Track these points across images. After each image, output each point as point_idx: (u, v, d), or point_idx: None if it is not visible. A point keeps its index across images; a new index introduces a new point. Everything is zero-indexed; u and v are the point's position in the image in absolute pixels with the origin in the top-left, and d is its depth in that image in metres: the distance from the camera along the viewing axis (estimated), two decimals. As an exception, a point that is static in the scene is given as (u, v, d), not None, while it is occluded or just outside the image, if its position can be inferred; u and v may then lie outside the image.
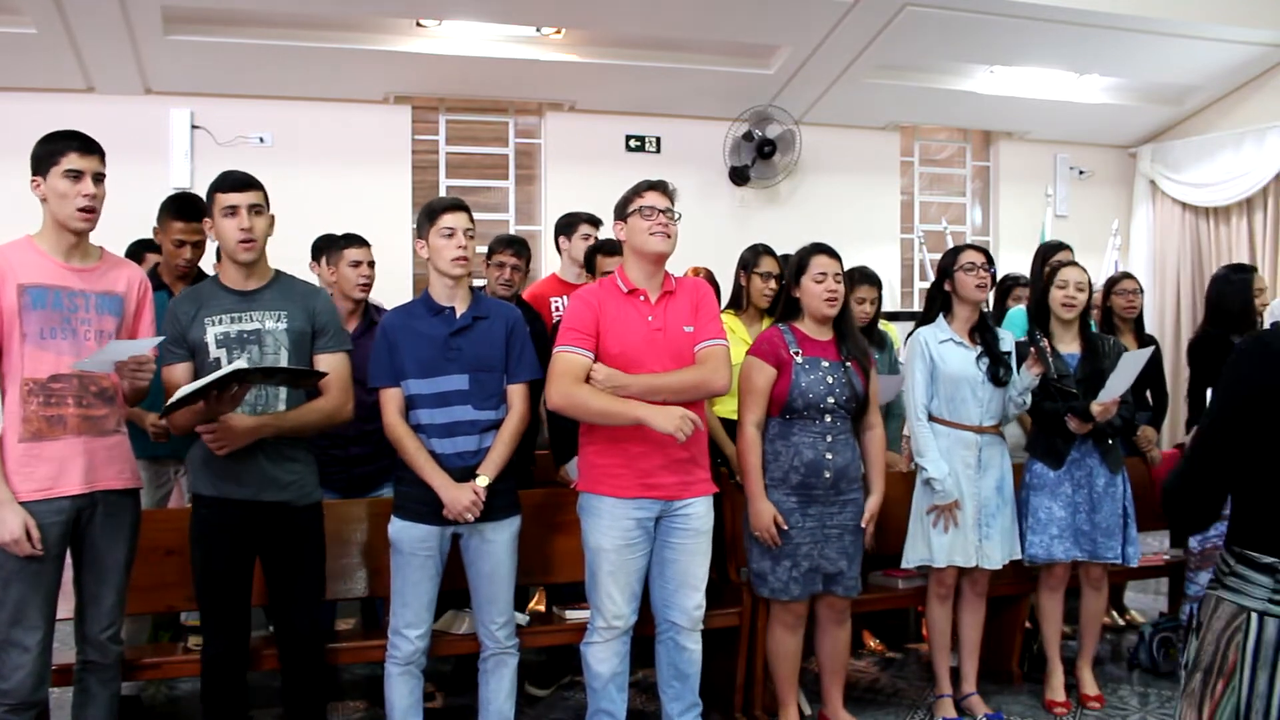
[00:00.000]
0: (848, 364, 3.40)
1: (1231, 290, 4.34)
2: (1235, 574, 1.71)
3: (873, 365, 3.52)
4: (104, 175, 2.73)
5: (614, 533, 3.06)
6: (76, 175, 2.66)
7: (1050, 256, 4.52)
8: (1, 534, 2.57)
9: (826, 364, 3.38)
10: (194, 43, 5.47)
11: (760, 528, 3.31)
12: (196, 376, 2.88)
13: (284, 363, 2.92)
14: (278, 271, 3.03)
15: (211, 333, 2.90)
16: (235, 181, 2.91)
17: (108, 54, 5.44)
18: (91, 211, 2.69)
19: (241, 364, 2.73)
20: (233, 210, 2.87)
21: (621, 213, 3.14)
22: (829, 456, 3.34)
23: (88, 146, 2.70)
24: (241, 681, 3.02)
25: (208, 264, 3.98)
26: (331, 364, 3.00)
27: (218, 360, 2.88)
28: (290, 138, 6.04)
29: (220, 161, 5.79)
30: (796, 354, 3.36)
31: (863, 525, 3.43)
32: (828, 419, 3.35)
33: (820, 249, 3.43)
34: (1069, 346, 3.85)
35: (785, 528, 3.31)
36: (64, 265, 2.71)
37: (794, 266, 3.46)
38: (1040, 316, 3.88)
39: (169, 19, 5.28)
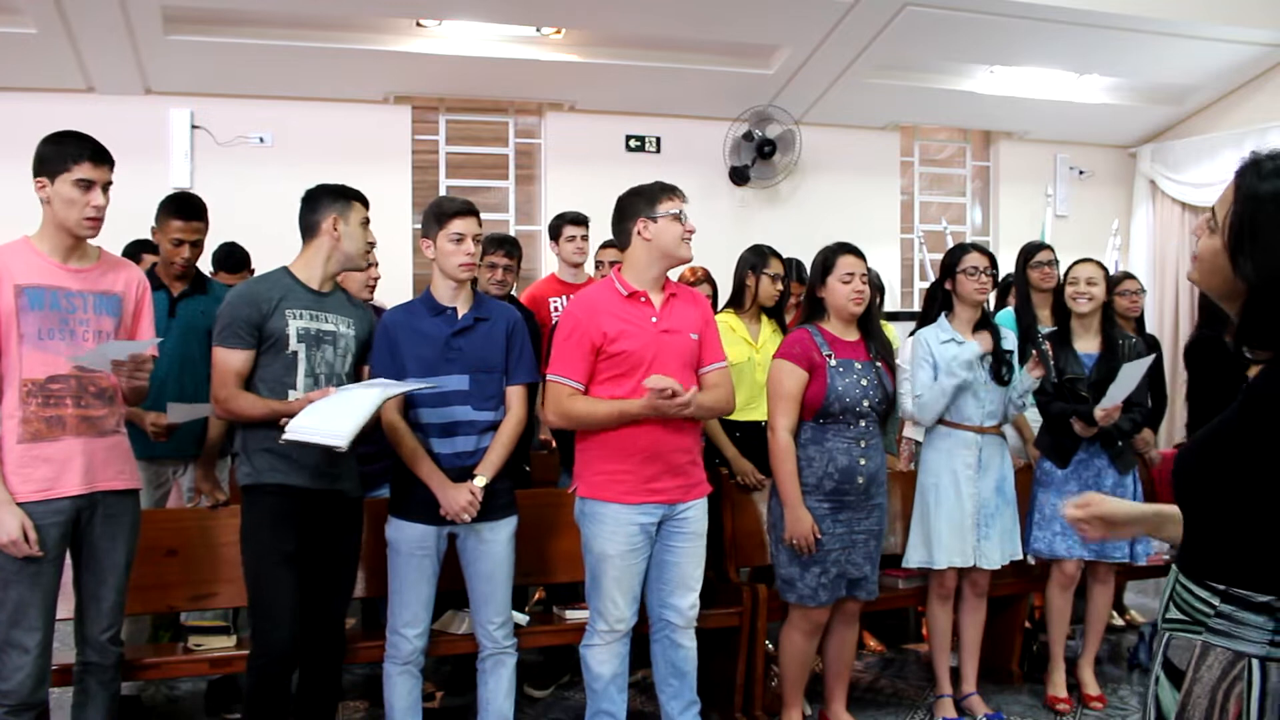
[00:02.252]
0: (878, 364, 3.40)
1: None
2: (1222, 615, 1.52)
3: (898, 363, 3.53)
4: (111, 183, 2.73)
5: (618, 538, 3.05)
6: (88, 185, 2.66)
7: (1032, 257, 4.54)
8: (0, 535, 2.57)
9: (859, 366, 3.36)
10: (194, 43, 5.46)
11: (798, 535, 3.28)
12: (255, 365, 2.93)
13: (350, 365, 3.06)
14: (335, 282, 3.13)
15: (294, 326, 2.95)
16: (367, 200, 3.12)
17: (108, 54, 5.44)
18: (98, 220, 2.70)
19: (396, 386, 2.88)
20: (368, 221, 3.10)
21: (649, 212, 3.08)
22: (863, 462, 3.33)
23: (100, 156, 2.69)
24: (289, 683, 2.99)
25: (205, 264, 3.98)
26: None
27: (295, 354, 2.94)
28: (290, 138, 6.03)
29: (220, 162, 5.86)
30: (829, 356, 3.33)
31: None
32: (862, 423, 3.33)
33: (846, 249, 3.40)
34: (1088, 345, 3.85)
35: (820, 537, 3.29)
36: (62, 266, 2.71)
37: (819, 266, 3.42)
38: (1059, 314, 3.90)
39: (169, 19, 5.27)
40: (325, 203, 3.04)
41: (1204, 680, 1.53)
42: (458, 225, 3.05)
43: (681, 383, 2.98)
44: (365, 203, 3.11)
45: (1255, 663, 1.49)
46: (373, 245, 3.15)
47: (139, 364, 2.69)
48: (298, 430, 2.72)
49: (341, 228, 3.02)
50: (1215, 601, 1.53)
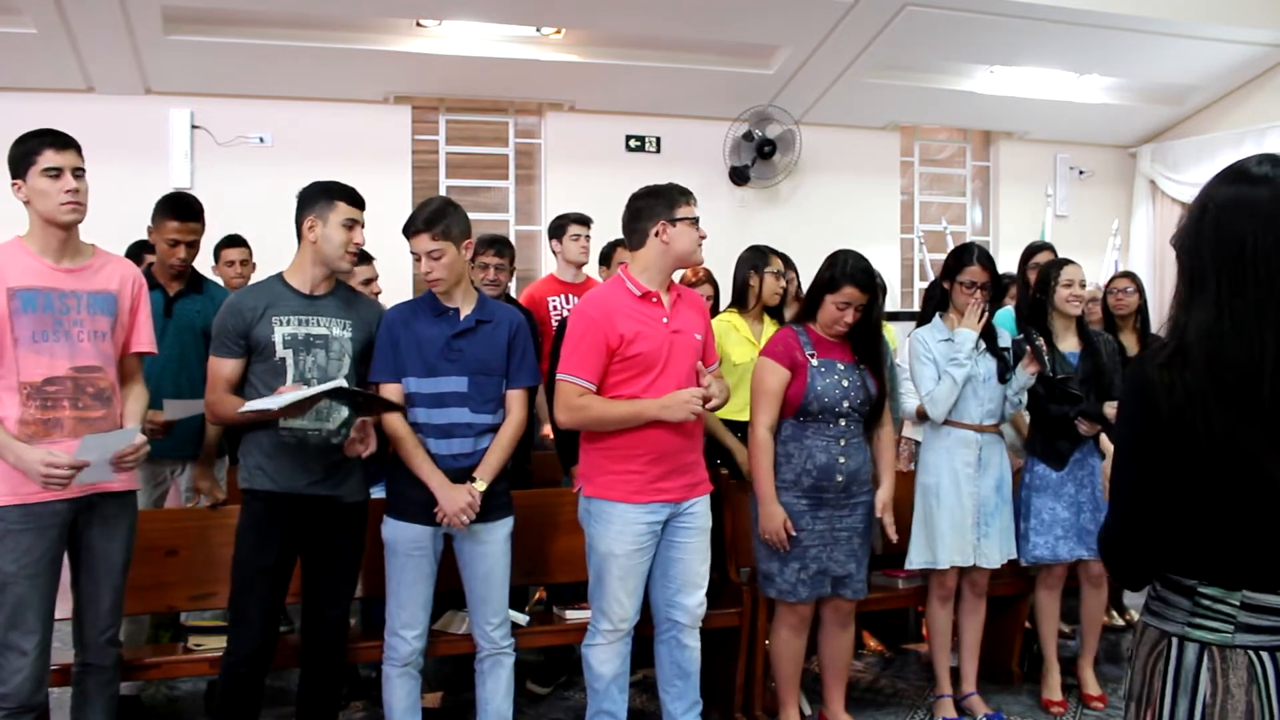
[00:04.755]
0: (862, 366, 3.39)
1: None
2: (1159, 598, 1.61)
3: (885, 368, 3.51)
4: (83, 170, 2.70)
5: (625, 538, 3.05)
6: (56, 173, 2.64)
7: (1031, 258, 4.53)
8: (33, 474, 2.56)
9: (842, 367, 3.35)
10: (194, 43, 5.47)
11: (770, 531, 3.29)
12: (246, 373, 2.95)
13: (347, 369, 3.01)
14: (338, 281, 3.08)
15: (279, 332, 2.94)
16: (358, 198, 3.04)
17: (108, 54, 5.44)
18: (75, 204, 2.66)
19: (341, 382, 2.85)
20: (353, 223, 2.99)
21: (669, 215, 3.07)
22: (842, 460, 3.32)
23: (61, 142, 2.67)
24: (261, 686, 3.02)
25: (202, 264, 3.98)
26: None
27: (283, 360, 2.93)
28: (290, 138, 6.04)
29: (220, 162, 5.86)
30: (812, 356, 3.33)
31: (878, 516, 3.40)
32: (842, 422, 3.33)
33: (854, 279, 3.27)
34: (1069, 344, 3.85)
35: (794, 533, 3.29)
36: (55, 266, 2.69)
37: (824, 278, 3.34)
38: (1037, 316, 3.87)
39: (169, 19, 5.28)
40: (307, 204, 2.99)
41: (1140, 657, 1.63)
42: (411, 245, 3.07)
43: (688, 383, 3.04)
44: (354, 200, 2.99)
45: (1175, 641, 1.58)
46: (358, 245, 3.01)
47: (136, 450, 2.71)
48: (251, 405, 2.81)
49: (319, 230, 2.95)
50: (1157, 585, 1.63)
